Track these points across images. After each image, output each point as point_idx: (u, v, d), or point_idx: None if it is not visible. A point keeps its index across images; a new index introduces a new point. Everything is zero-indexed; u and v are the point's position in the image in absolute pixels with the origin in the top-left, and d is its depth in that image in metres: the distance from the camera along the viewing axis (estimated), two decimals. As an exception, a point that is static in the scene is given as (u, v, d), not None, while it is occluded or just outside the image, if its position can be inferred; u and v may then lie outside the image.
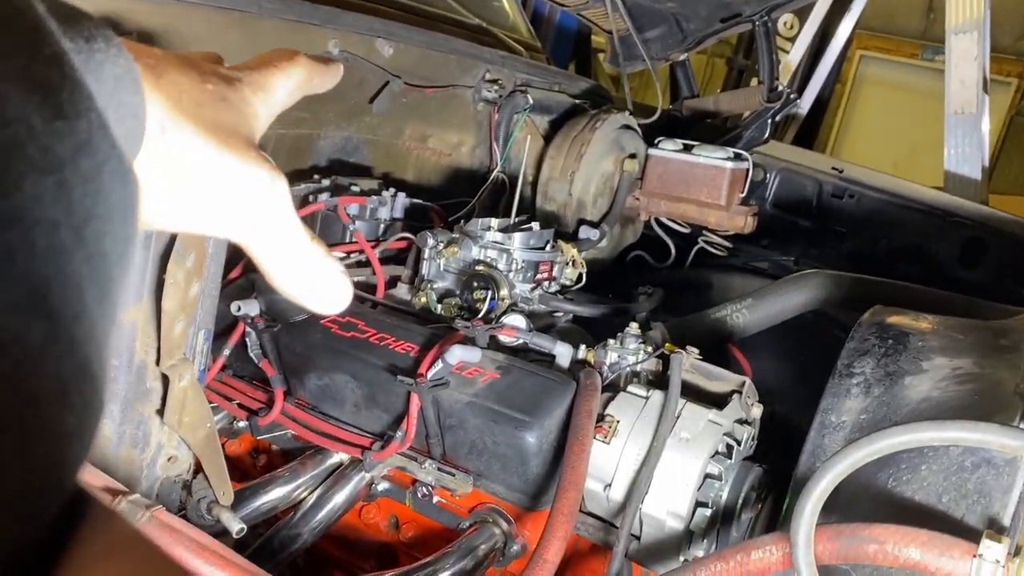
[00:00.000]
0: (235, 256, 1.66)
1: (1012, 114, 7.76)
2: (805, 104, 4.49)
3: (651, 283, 2.08)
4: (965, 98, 3.09)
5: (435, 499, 1.42)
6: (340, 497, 1.41)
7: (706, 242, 2.38)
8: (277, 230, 0.47)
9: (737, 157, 2.11)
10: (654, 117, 2.37)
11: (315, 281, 0.50)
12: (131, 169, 0.32)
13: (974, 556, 0.78)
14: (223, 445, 1.60)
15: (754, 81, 2.57)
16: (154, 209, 0.44)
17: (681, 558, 1.23)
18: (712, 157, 2.09)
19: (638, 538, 1.25)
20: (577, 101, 2.43)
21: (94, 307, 0.28)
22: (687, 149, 2.14)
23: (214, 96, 0.46)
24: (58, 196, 0.26)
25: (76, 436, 0.26)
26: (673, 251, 2.35)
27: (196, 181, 0.44)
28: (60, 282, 0.26)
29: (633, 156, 2.20)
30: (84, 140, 0.28)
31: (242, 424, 1.53)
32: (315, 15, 1.64)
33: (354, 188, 1.76)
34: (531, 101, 2.19)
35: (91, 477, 0.86)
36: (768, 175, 2.53)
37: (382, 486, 1.47)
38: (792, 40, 4.97)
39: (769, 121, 2.44)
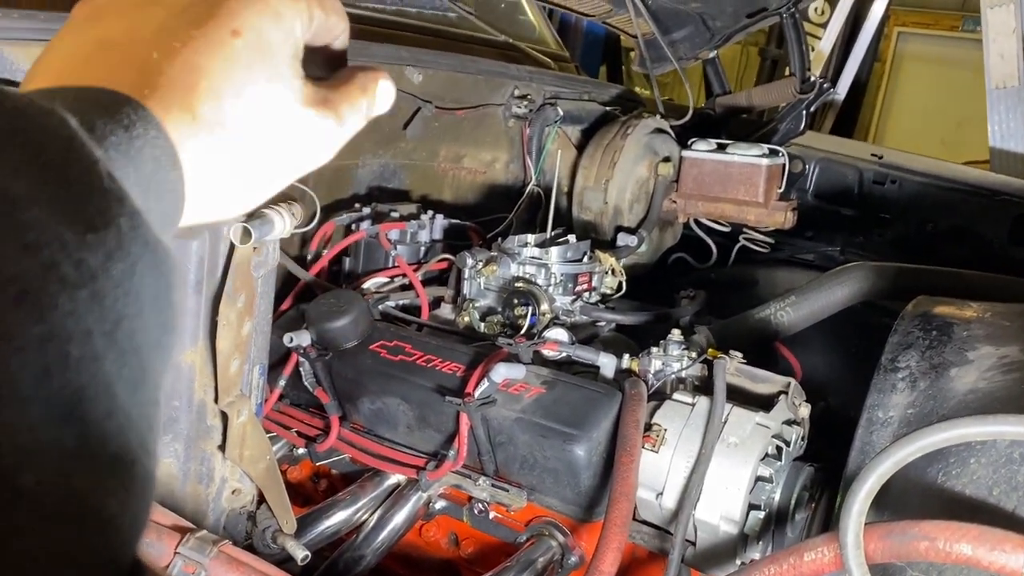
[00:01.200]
0: (285, 288, 1.72)
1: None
2: (842, 89, 4.43)
3: (695, 284, 2.08)
4: (1006, 72, 3.02)
5: (491, 515, 1.44)
6: (400, 517, 1.45)
7: (748, 239, 2.37)
8: (340, 142, 0.50)
9: (772, 153, 2.10)
10: (686, 118, 2.37)
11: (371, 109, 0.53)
12: (165, 257, 0.34)
13: (1027, 549, 0.78)
14: (285, 472, 1.66)
15: (788, 71, 2.55)
16: (229, 207, 0.46)
17: (738, 561, 1.24)
18: (747, 155, 2.08)
19: (693, 544, 1.27)
20: (607, 108, 2.44)
21: (127, 399, 0.30)
22: (721, 148, 2.14)
23: (251, 65, 0.46)
24: (91, 307, 0.29)
25: (121, 518, 0.29)
26: (715, 251, 2.35)
27: (247, 185, 0.46)
28: (92, 388, 0.28)
29: (667, 159, 2.21)
30: (115, 246, 0.31)
31: (301, 451, 1.58)
32: (344, 50, 1.69)
33: (393, 214, 1.81)
34: (561, 113, 2.21)
35: (160, 516, 0.91)
36: (807, 166, 2.50)
37: (439, 504, 1.51)
38: (824, 26, 4.91)
39: (804, 112, 2.42)
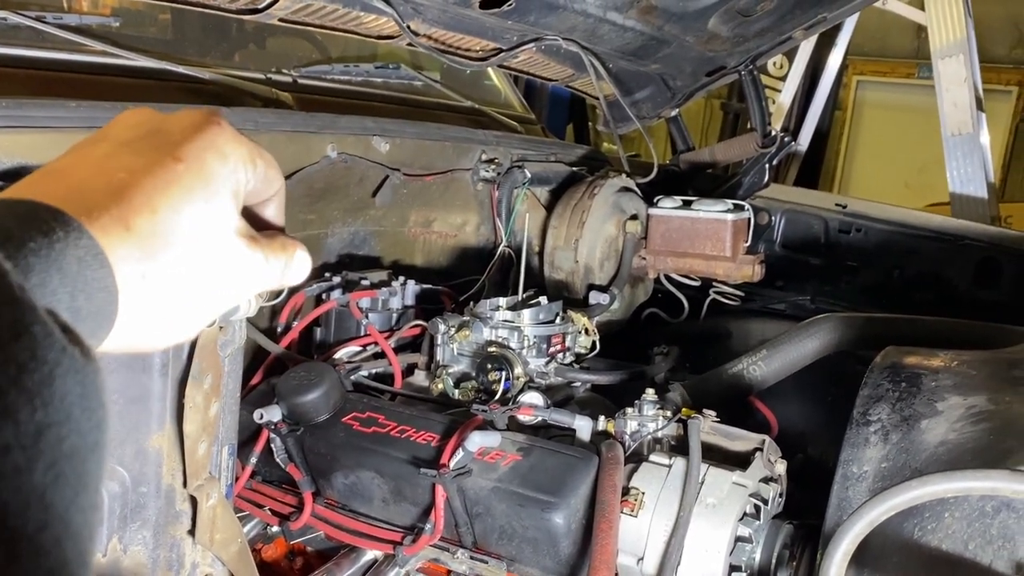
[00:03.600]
0: (255, 361, 1.70)
1: (1016, 122, 7.75)
2: (803, 140, 4.53)
3: (668, 338, 2.09)
4: (960, 119, 3.10)
5: (472, 587, 1.41)
6: (378, 594, 1.42)
7: (718, 293, 2.39)
8: (260, 285, 0.54)
9: (737, 207, 2.13)
10: (652, 175, 2.41)
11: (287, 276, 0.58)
12: (88, 359, 0.34)
13: (1005, 605, 0.78)
14: (259, 551, 1.62)
15: (749, 125, 2.61)
16: (159, 334, 0.47)
17: (722, 625, 1.22)
18: (712, 211, 2.11)
19: (677, 609, 1.24)
20: (574, 168, 2.48)
21: (65, 508, 0.30)
22: (687, 205, 2.17)
23: (192, 190, 0.48)
24: (3, 422, 0.28)
25: None
26: (687, 305, 2.37)
27: (184, 301, 0.47)
28: (17, 502, 0.28)
29: (635, 217, 2.24)
30: (27, 358, 0.30)
31: (276, 529, 1.55)
32: (311, 123, 1.71)
33: (364, 282, 1.81)
34: (528, 175, 2.24)
35: (126, 611, 0.88)
36: (773, 218, 2.54)
37: (418, 578, 1.48)
38: (783, 79, 5.04)
39: (767, 166, 2.47)
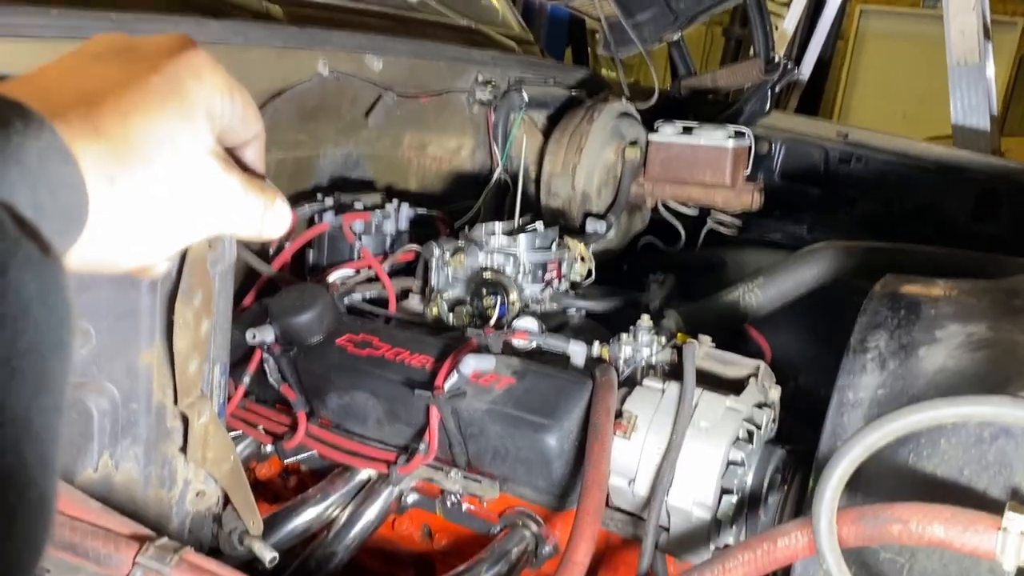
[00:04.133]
0: (247, 283, 1.68)
1: (1020, 54, 7.62)
2: (806, 69, 4.44)
3: (664, 267, 2.08)
4: (967, 48, 3.04)
5: (464, 507, 1.43)
6: (371, 513, 1.43)
7: (716, 222, 2.37)
8: (237, 221, 0.51)
9: (738, 135, 2.09)
10: (652, 101, 2.36)
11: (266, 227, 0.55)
12: (47, 255, 0.32)
13: (999, 529, 0.78)
14: (253, 470, 1.63)
15: (752, 52, 2.54)
16: (132, 251, 0.45)
17: (711, 546, 1.23)
18: (712, 137, 2.07)
19: (667, 530, 1.26)
20: (573, 92, 2.42)
21: (24, 407, 0.28)
22: (687, 131, 2.13)
23: (165, 107, 0.46)
24: None
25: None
26: (683, 234, 2.34)
27: (156, 218, 0.45)
28: None
29: (634, 143, 2.19)
30: None
31: (269, 448, 1.55)
32: (301, 39, 1.65)
33: (357, 204, 1.77)
34: (526, 98, 2.18)
35: (118, 525, 0.88)
36: (773, 147, 2.51)
37: (412, 498, 1.49)
38: (787, 6, 4.91)
39: (769, 93, 2.42)
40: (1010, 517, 0.78)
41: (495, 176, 2.17)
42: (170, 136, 0.45)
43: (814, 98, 6.27)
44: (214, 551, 1.23)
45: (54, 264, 0.32)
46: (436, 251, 1.63)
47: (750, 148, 2.14)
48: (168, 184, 0.45)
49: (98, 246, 0.42)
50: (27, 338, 0.29)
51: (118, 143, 0.42)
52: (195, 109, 0.47)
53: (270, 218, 0.54)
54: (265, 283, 1.67)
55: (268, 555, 1.17)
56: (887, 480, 0.97)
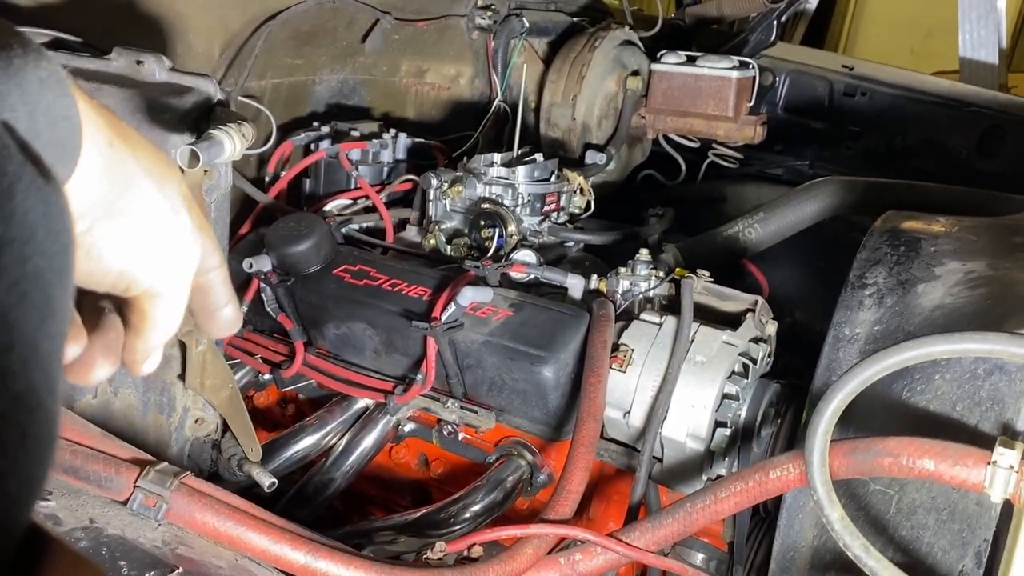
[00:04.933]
0: (243, 211, 1.67)
1: (1033, -13, 7.43)
2: (813, -2, 4.33)
3: (664, 201, 2.06)
4: (978, -22, 2.96)
5: (461, 436, 1.45)
6: (369, 441, 1.44)
7: (717, 155, 2.34)
8: (179, 288, 0.48)
9: (742, 65, 2.05)
10: (655, 29, 2.30)
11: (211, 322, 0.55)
12: (49, 180, 0.31)
13: (988, 463, 0.79)
14: (251, 398, 1.65)
15: (759, -20, 2.47)
16: (105, 254, 0.43)
17: (704, 478, 1.25)
18: (717, 68, 2.03)
19: (661, 461, 1.28)
20: (575, 19, 2.36)
21: (32, 331, 0.27)
22: (691, 61, 2.09)
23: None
24: None
25: (9, 478, 0.25)
26: (684, 167, 2.32)
27: (131, 209, 0.43)
28: None
29: (636, 73, 2.15)
30: None
31: (267, 377, 1.56)
32: (296, -42, 1.60)
33: (354, 133, 1.75)
34: (527, 24, 2.13)
35: (118, 450, 0.88)
36: (777, 79, 2.45)
37: (408, 427, 1.51)
38: (797, -69, 4.73)
39: (775, 23, 2.36)
40: (1000, 451, 0.78)
41: (494, 105, 2.13)
42: (156, 179, 0.45)
43: (820, 30, 6.11)
44: (213, 476, 1.25)
45: (56, 190, 0.32)
46: (434, 181, 1.61)
47: (754, 79, 2.10)
48: (152, 192, 0.45)
49: (86, 199, 0.41)
50: (34, 263, 0.29)
51: (117, 126, 0.42)
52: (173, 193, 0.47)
53: (226, 315, 0.54)
54: (261, 211, 1.65)
55: (267, 480, 1.19)
56: (880, 414, 0.98)
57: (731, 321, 1.33)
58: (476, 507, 1.31)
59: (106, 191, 0.41)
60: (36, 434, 0.27)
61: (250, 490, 1.23)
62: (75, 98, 0.38)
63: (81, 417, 0.98)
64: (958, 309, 1.01)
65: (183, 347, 1.11)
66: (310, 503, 1.39)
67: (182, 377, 1.13)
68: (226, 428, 1.24)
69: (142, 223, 0.44)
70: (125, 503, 0.85)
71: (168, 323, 0.48)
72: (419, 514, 1.27)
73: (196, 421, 1.18)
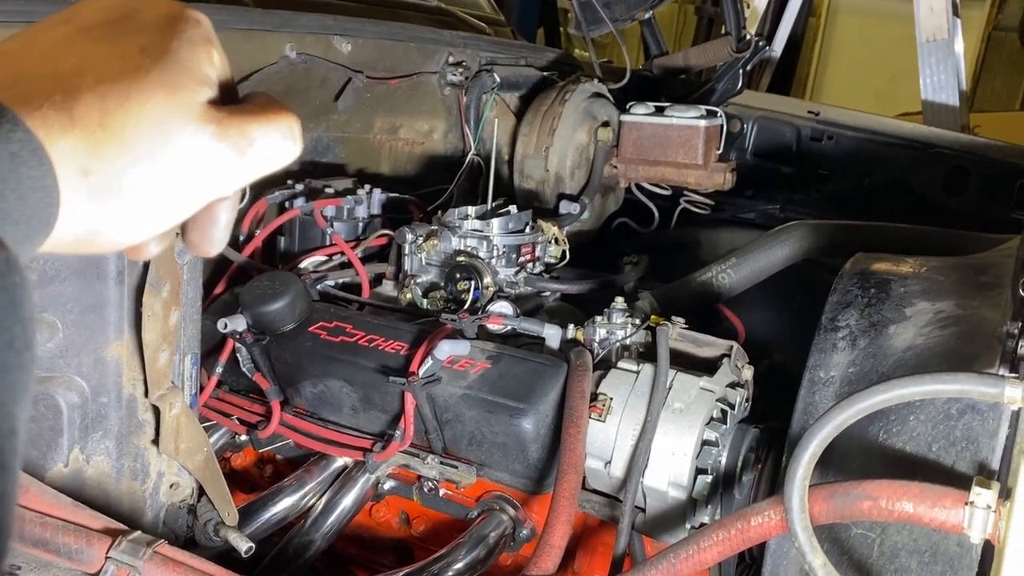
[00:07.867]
0: (218, 271, 1.66)
1: (989, 30, 7.68)
2: (778, 46, 4.44)
3: (638, 247, 2.08)
4: (935, 25, 3.06)
5: (441, 492, 1.43)
6: (348, 500, 1.42)
7: (688, 201, 2.37)
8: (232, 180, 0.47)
9: (710, 114, 2.09)
10: (624, 81, 2.35)
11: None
12: (8, 262, 0.31)
13: (966, 504, 0.79)
14: (228, 460, 1.62)
15: (724, 30, 2.54)
16: (112, 234, 0.43)
17: (687, 526, 1.25)
18: (685, 117, 2.07)
19: (643, 510, 1.27)
20: (545, 73, 2.40)
21: None
22: (659, 111, 2.13)
23: (143, 69, 0.43)
24: None
25: None
26: (657, 214, 2.35)
27: (137, 200, 0.43)
28: None
29: (606, 124, 2.19)
30: None
31: (244, 438, 1.54)
32: (268, 21, 1.62)
33: (328, 190, 1.76)
34: (498, 79, 2.17)
35: (90, 520, 0.87)
36: (745, 126, 2.51)
37: (388, 484, 1.49)
38: (759, -18, 4.89)
39: (741, 71, 2.42)
40: (976, 491, 0.79)
41: (468, 159, 2.16)
42: (152, 118, 0.43)
43: (786, 76, 6.26)
44: (190, 542, 1.22)
45: (14, 264, 0.32)
46: (409, 236, 1.62)
47: (722, 127, 2.14)
48: (149, 167, 0.43)
49: (76, 229, 0.41)
50: None
51: (94, 131, 0.40)
52: (185, 80, 0.44)
53: (253, 153, 0.47)
54: (236, 271, 1.65)
55: (244, 545, 1.17)
56: (857, 457, 0.98)
57: (708, 367, 1.33)
58: (459, 565, 1.28)
59: (98, 205, 0.41)
60: None
61: (228, 555, 1.20)
62: (51, 161, 0.37)
63: (52, 488, 0.96)
64: (929, 349, 1.02)
65: (157, 412, 1.10)
66: (290, 566, 1.37)
67: (156, 442, 1.11)
68: (202, 492, 1.22)
69: (155, 197, 0.43)
70: (96, 575, 0.83)
71: (232, 213, 0.50)
72: (401, 574, 1.25)
73: (171, 486, 1.16)
